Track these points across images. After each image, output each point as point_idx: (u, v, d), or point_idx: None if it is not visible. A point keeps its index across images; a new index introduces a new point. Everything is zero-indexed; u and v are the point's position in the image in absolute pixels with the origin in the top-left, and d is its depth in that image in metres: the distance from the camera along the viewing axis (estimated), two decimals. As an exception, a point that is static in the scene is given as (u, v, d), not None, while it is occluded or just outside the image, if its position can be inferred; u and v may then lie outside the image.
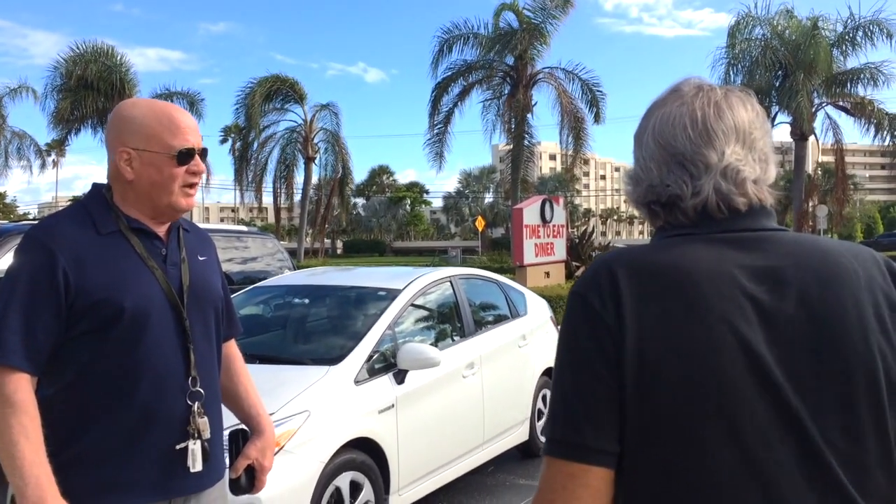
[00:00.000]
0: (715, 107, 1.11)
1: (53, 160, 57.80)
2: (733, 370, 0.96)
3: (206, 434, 1.86)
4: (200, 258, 1.99)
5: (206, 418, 1.86)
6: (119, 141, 1.84)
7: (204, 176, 2.01)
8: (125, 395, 1.76)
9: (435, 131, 25.88)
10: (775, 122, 25.59)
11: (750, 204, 1.09)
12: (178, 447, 1.82)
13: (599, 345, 0.98)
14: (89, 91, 27.75)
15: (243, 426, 2.13)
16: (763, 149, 1.12)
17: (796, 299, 1.01)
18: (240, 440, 2.06)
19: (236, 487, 2.03)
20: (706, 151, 1.08)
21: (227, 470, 2.04)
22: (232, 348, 2.18)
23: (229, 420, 2.08)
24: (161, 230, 1.91)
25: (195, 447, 1.83)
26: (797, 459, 0.96)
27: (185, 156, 1.85)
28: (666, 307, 0.98)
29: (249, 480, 2.04)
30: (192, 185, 1.89)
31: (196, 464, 1.83)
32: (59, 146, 38.18)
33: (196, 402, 1.85)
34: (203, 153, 1.91)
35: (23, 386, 1.66)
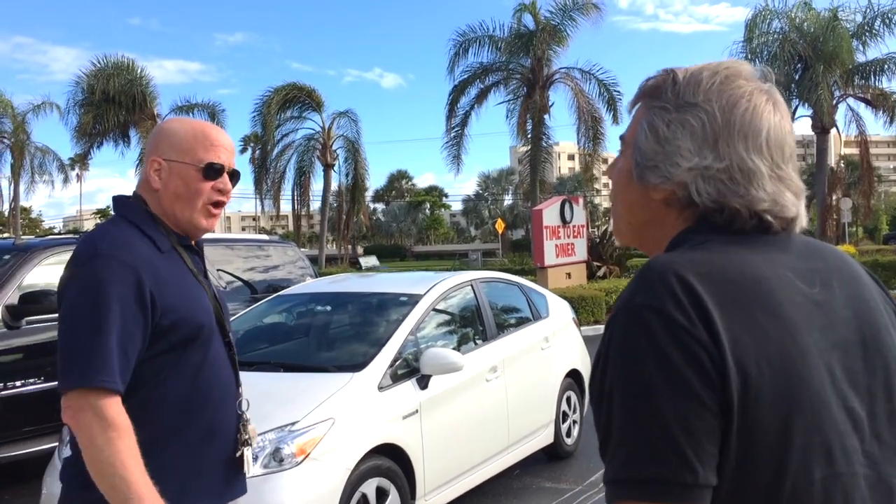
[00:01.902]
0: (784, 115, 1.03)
1: (77, 174, 58.60)
2: (819, 380, 0.91)
3: (255, 440, 1.95)
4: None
5: (253, 424, 1.93)
6: (154, 151, 1.85)
7: None
8: (195, 414, 1.78)
9: (452, 134, 25.96)
10: (796, 116, 25.33)
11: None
12: (236, 455, 1.88)
13: (698, 366, 0.86)
14: (111, 105, 28.20)
15: None
16: None
17: (841, 299, 0.99)
18: None
19: None
20: (788, 166, 1.02)
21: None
22: None
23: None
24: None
25: (248, 453, 1.91)
26: (865, 469, 0.93)
27: (212, 171, 1.82)
28: (750, 317, 0.90)
29: None
30: (216, 205, 1.86)
31: (251, 468, 1.93)
32: (82, 160, 38.73)
33: (244, 411, 1.92)
34: (234, 175, 1.89)
35: (122, 408, 1.63)
